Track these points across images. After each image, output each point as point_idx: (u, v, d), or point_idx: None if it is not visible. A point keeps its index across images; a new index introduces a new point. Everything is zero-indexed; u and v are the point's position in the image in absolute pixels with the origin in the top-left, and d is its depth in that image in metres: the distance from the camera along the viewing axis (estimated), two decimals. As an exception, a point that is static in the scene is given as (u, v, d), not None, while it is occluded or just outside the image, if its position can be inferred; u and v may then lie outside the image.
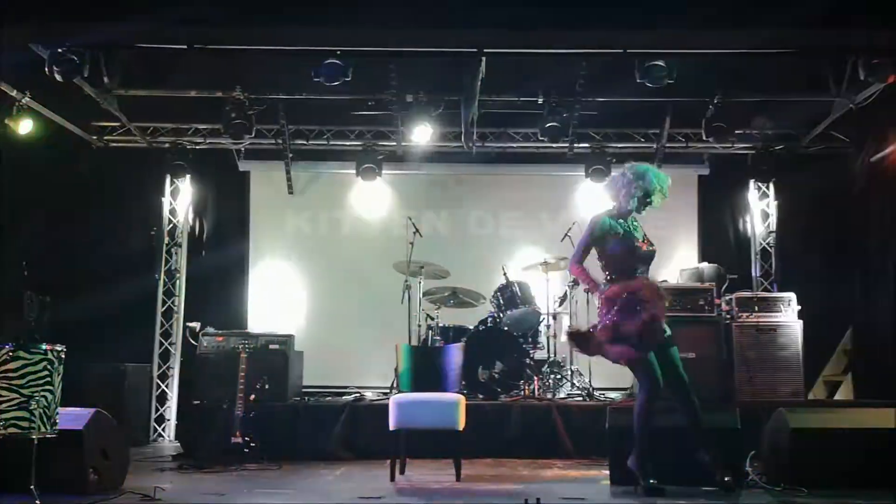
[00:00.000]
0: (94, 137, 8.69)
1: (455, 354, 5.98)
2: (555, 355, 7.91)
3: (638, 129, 8.81)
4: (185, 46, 6.28)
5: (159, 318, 8.79)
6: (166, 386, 8.63)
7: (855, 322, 8.44)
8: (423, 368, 5.97)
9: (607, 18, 5.52)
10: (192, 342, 7.45)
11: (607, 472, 5.30)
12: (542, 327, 7.85)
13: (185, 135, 8.84)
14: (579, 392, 7.66)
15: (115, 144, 8.82)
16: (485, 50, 6.18)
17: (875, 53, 6.59)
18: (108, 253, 8.50)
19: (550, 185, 9.28)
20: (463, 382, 6.28)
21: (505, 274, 7.94)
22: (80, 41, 6.37)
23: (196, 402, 7.09)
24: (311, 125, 8.84)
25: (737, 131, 8.41)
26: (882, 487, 4.80)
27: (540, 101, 7.96)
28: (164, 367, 8.70)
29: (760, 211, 9.11)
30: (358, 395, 7.87)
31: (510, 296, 7.78)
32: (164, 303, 8.84)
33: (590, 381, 7.73)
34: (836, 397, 8.45)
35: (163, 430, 8.47)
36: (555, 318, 8.01)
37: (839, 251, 8.67)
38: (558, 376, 7.78)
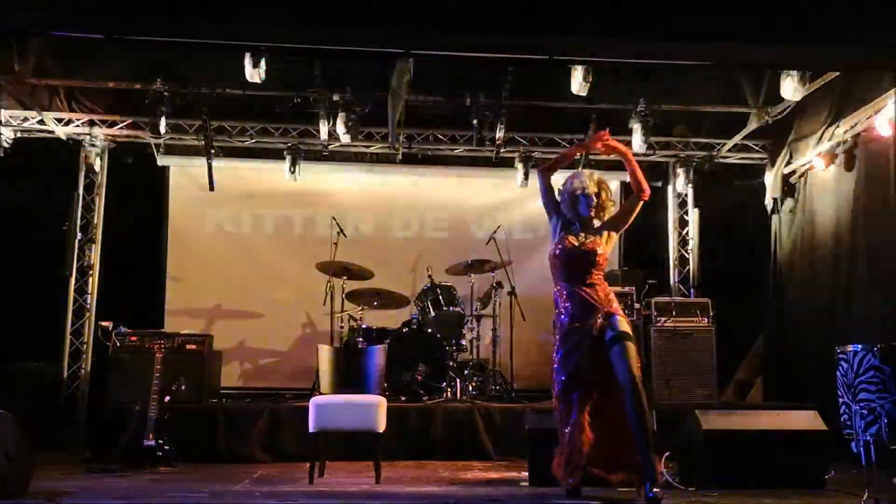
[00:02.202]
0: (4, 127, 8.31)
1: (378, 356, 5.92)
2: (477, 357, 7.94)
3: (563, 134, 8.91)
4: (101, 36, 6.04)
5: (70, 316, 8.45)
6: (76, 386, 8.30)
7: (766, 327, 8.75)
8: (345, 370, 5.91)
9: (534, 24, 5.56)
10: (105, 342, 7.22)
11: (527, 473, 5.35)
12: (465, 330, 7.87)
13: (101, 127, 8.53)
14: (501, 394, 7.70)
15: (26, 135, 8.46)
16: (412, 51, 6.15)
17: (787, 68, 6.84)
18: (16, 248, 8.14)
19: (476, 187, 9.30)
20: (385, 384, 6.23)
21: (430, 276, 7.94)
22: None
23: (106, 404, 6.86)
24: (234, 121, 8.65)
25: (658, 139, 8.63)
26: (790, 487, 4.99)
27: (467, 103, 7.98)
28: (75, 367, 8.38)
29: (679, 217, 9.33)
30: (278, 396, 7.74)
31: (434, 298, 7.78)
32: (75, 301, 8.51)
33: (511, 384, 7.79)
34: (748, 400, 8.74)
35: (72, 432, 8.13)
36: (478, 320, 8.04)
37: (752, 258, 8.98)
38: (480, 378, 7.81)
